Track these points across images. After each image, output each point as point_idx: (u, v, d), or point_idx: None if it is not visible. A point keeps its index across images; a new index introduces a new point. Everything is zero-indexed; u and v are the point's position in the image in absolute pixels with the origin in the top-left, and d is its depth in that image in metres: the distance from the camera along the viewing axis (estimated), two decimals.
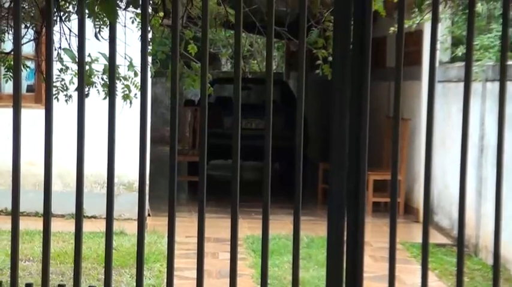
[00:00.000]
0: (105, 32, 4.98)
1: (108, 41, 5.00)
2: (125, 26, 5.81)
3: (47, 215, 5.01)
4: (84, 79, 5.23)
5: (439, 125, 12.10)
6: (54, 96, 6.27)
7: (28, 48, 9.11)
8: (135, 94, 7.23)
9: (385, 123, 13.51)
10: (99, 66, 7.74)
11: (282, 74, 26.45)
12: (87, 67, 6.51)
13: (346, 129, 4.81)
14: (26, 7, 7.09)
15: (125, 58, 7.16)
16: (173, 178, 5.01)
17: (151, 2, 6.40)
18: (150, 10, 5.64)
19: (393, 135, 5.06)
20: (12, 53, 5.30)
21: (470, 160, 5.11)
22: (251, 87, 15.79)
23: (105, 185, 5.00)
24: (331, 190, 4.90)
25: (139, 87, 5.34)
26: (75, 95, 5.28)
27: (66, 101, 7.33)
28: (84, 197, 5.00)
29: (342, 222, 4.83)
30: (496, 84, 4.91)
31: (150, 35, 5.94)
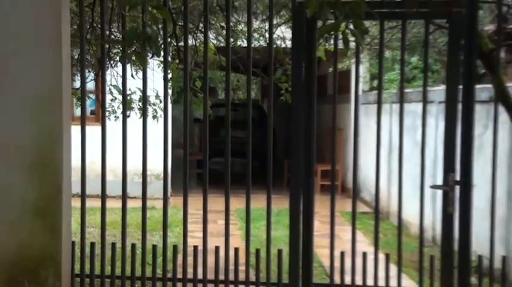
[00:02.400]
0: (140, 74, 5.01)
1: (142, 79, 5.03)
2: (153, 70, 5.83)
3: (103, 196, 5.02)
4: (126, 105, 5.24)
5: (363, 133, 12.12)
6: (107, 117, 6.30)
7: (90, 85, 9.12)
8: (160, 115, 7.24)
9: (327, 132, 13.52)
10: (136, 96, 7.75)
11: (258, 100, 26.47)
12: (128, 97, 6.53)
13: (301, 136, 4.83)
14: (88, 58, 7.09)
15: (153, 91, 7.17)
16: (186, 171, 5.02)
17: (170, 53, 6.40)
18: (169, 59, 5.65)
19: (332, 140, 5.09)
20: (80, 88, 5.30)
21: (382, 157, 5.14)
22: (238, 109, 15.73)
23: (141, 176, 5.02)
24: (292, 177, 4.92)
25: (163, 110, 5.37)
26: (121, 116, 5.29)
27: (115, 120, 7.34)
28: (127, 184, 5.02)
29: (299, 198, 4.85)
30: (398, 105, 4.97)
31: (169, 75, 5.95)
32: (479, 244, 5.02)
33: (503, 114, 5.32)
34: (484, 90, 6.75)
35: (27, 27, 4.62)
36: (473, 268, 5.00)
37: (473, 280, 4.99)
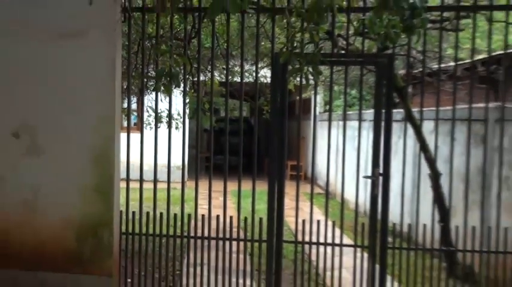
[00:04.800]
0: (167, 99, 5.04)
1: (168, 102, 5.05)
2: (176, 96, 5.86)
3: (141, 180, 5.02)
4: (157, 120, 5.27)
5: (318, 140, 12.20)
6: (144, 127, 6.31)
7: (134, 106, 9.19)
8: (180, 126, 7.25)
9: (294, 139, 13.56)
10: (164, 113, 7.78)
11: (248, 117, 26.46)
12: (159, 114, 6.55)
13: (276, 142, 4.86)
14: (133, 88, 7.11)
15: (176, 110, 7.20)
16: (197, 163, 5.03)
17: (188, 85, 6.44)
18: (187, 89, 5.68)
19: (297, 144, 5.13)
20: (127, 108, 5.31)
21: (332, 156, 5.19)
22: (233, 123, 15.76)
23: (167, 166, 5.03)
24: (270, 169, 4.95)
25: (182, 123, 5.40)
26: (154, 126, 5.31)
27: (150, 129, 7.34)
28: (157, 172, 5.03)
29: (275, 183, 4.86)
30: (342, 122, 5.03)
31: (187, 100, 5.98)
32: (394, 215, 5.08)
33: (410, 130, 5.41)
34: (398, 113, 6.83)
35: (93, 69, 4.67)
36: (390, 231, 5.07)
37: (390, 239, 5.05)
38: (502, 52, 5.13)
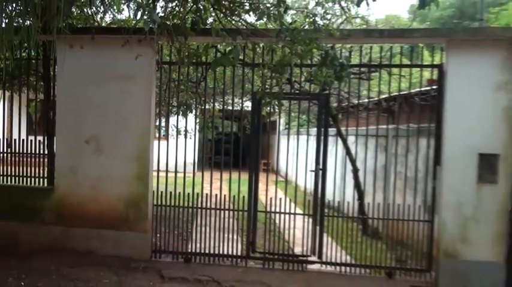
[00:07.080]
0: (184, 119, 5.04)
1: (185, 122, 5.07)
2: (190, 118, 5.88)
3: (166, 171, 4.97)
4: (178, 133, 5.27)
5: (281, 147, 12.26)
6: (169, 137, 6.27)
7: (162, 124, 9.11)
8: (192, 137, 7.24)
9: (267, 146, 13.56)
10: (182, 129, 7.73)
11: (237, 131, 26.48)
12: (179, 129, 6.52)
13: (254, 147, 4.90)
14: (162, 112, 7.09)
15: (190, 126, 7.16)
16: (203, 161, 5.03)
17: (198, 111, 6.43)
18: (197, 114, 5.67)
19: (268, 149, 5.19)
20: (158, 125, 5.31)
21: (290, 157, 5.22)
22: (227, 135, 15.70)
23: (184, 162, 5.03)
24: (250, 164, 4.97)
25: (194, 135, 5.41)
26: (175, 137, 5.30)
27: (173, 138, 7.31)
28: (177, 166, 5.04)
29: (253, 174, 4.85)
30: (296, 135, 5.10)
31: (197, 120, 5.96)
32: (329, 195, 5.11)
33: (339, 141, 5.48)
34: (332, 131, 6.92)
35: (137, 100, 4.68)
36: (326, 205, 5.10)
37: (326, 210, 5.10)
38: (397, 93, 5.29)
